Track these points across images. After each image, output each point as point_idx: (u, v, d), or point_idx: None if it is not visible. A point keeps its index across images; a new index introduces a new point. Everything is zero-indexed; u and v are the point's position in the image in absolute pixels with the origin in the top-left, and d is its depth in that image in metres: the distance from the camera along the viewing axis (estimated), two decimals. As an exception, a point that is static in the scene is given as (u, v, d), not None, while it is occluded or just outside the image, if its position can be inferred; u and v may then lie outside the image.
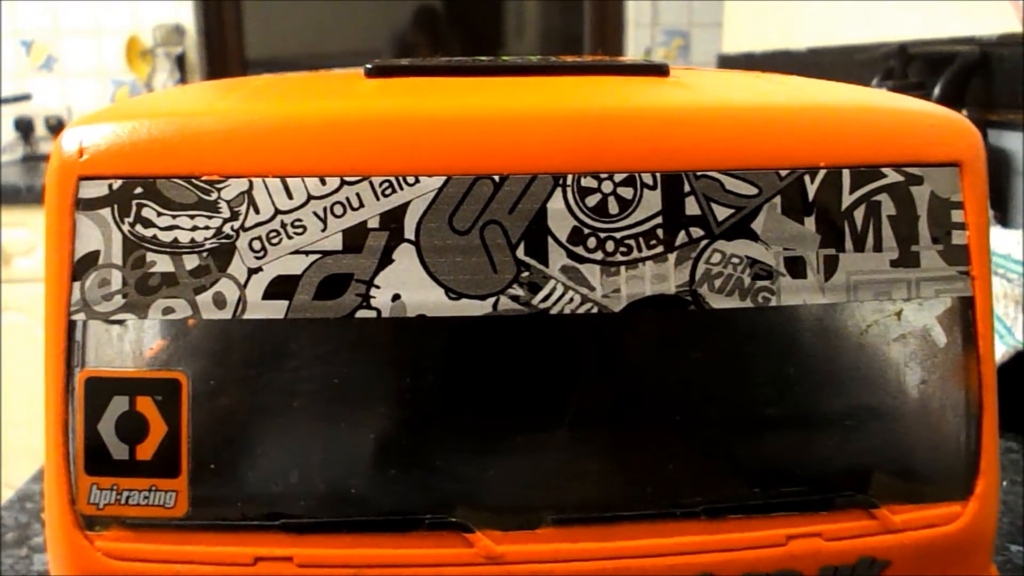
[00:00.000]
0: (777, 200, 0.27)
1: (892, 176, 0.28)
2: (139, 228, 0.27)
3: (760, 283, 0.27)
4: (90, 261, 0.27)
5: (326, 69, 0.41)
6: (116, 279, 0.27)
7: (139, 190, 0.27)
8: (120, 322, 0.27)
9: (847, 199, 0.28)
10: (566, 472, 0.27)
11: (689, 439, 0.27)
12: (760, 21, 1.57)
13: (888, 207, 0.28)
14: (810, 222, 0.28)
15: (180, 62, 2.11)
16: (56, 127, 2.05)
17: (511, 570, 0.27)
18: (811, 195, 0.28)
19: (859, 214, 0.28)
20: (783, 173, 0.27)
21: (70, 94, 2.07)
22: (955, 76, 0.93)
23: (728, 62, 1.71)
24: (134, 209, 0.27)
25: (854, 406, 0.28)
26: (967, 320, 0.28)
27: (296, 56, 2.22)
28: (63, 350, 0.27)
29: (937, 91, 0.90)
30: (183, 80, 2.12)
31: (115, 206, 0.27)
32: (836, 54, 1.24)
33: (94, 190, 0.27)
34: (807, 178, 0.28)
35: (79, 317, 0.27)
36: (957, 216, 0.28)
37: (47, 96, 2.06)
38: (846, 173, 0.28)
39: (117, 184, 0.27)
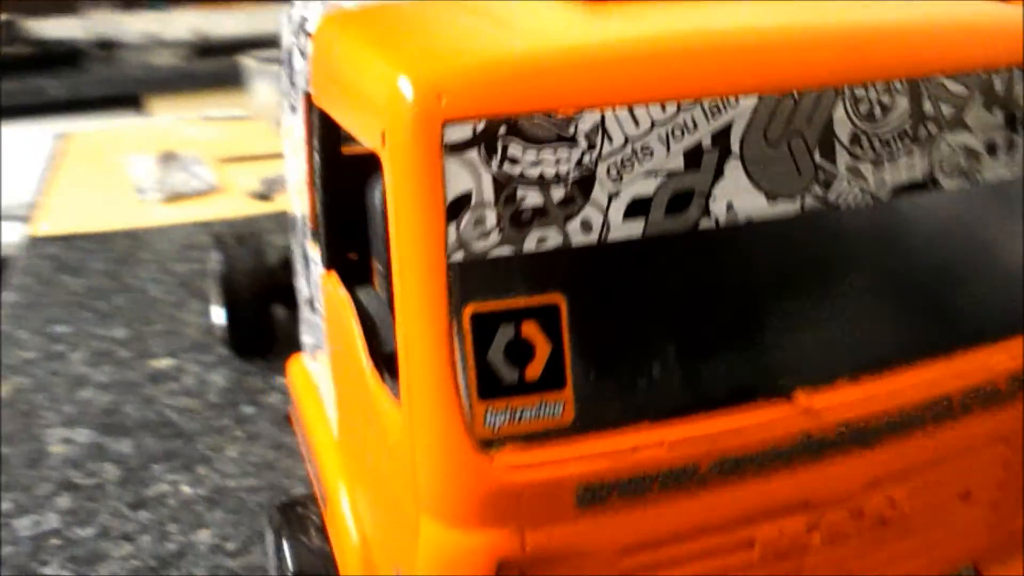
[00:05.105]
0: (981, 97, 0.34)
1: (1043, 72, 0.36)
2: (507, 166, 0.28)
3: (972, 164, 0.34)
4: (463, 203, 0.28)
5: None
6: (491, 217, 0.28)
7: (503, 129, 0.28)
8: (499, 257, 0.29)
9: (1021, 94, 0.35)
10: (855, 335, 0.33)
11: (937, 295, 0.34)
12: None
13: None
14: (998, 112, 0.35)
15: None
16: None
17: (823, 417, 0.33)
18: (1000, 92, 0.35)
19: (1028, 104, 0.35)
20: (983, 76, 0.34)
21: None
22: None
23: None
24: (500, 148, 0.28)
25: None
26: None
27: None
28: (444, 290, 0.28)
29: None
30: None
31: (481, 146, 0.28)
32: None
33: (459, 133, 0.28)
34: (996, 78, 0.34)
35: (458, 257, 0.28)
36: None
37: None
38: (1017, 73, 0.35)
39: (481, 125, 0.28)
